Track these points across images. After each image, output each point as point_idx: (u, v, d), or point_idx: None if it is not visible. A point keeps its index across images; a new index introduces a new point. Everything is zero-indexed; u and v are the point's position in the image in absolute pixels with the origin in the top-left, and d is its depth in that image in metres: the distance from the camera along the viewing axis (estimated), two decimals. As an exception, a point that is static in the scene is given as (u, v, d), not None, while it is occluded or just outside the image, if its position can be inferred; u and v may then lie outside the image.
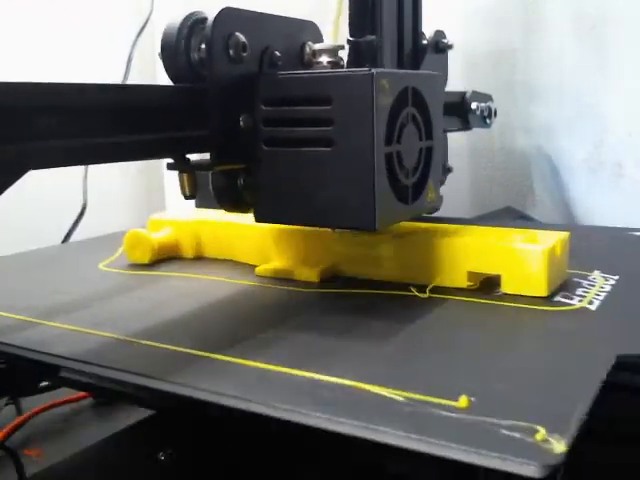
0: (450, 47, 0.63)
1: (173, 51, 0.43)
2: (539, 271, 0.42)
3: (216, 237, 0.56)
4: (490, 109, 0.71)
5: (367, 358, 0.34)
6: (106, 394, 0.53)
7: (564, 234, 0.46)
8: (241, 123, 0.42)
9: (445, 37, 0.62)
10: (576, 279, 0.46)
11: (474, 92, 0.69)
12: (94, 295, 0.47)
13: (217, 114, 0.41)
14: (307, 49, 0.47)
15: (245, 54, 0.42)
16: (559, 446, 0.24)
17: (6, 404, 0.51)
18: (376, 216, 0.39)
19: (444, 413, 0.27)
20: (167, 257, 0.56)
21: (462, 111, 0.68)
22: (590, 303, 0.42)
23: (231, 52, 0.41)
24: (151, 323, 0.40)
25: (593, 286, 0.45)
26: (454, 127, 0.68)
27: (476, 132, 0.92)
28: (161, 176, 1.10)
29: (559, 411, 0.26)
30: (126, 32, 0.86)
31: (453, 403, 0.27)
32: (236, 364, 0.33)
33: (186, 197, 0.44)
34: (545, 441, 0.24)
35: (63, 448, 0.47)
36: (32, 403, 0.52)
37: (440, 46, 0.61)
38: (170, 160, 0.43)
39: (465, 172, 0.93)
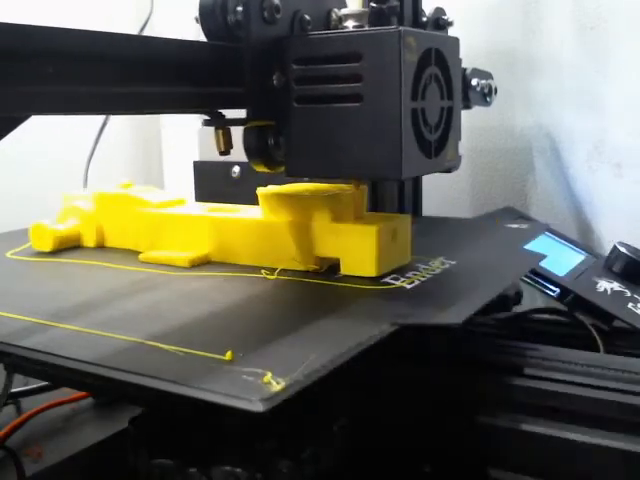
0: (450, 24, 0.63)
1: (210, 12, 0.46)
2: (369, 251, 0.46)
3: (114, 227, 0.61)
4: (490, 87, 0.70)
5: (176, 323, 0.39)
6: (106, 394, 0.53)
7: (404, 217, 0.51)
8: (274, 81, 0.45)
9: (445, 14, 0.61)
10: (417, 264, 0.50)
11: (474, 69, 0.68)
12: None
13: (252, 72, 0.44)
14: (333, 15, 0.50)
15: (278, 16, 0.45)
16: (277, 387, 0.29)
17: (6, 404, 0.51)
18: (402, 166, 0.42)
19: (208, 364, 0.32)
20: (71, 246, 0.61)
21: (462, 88, 0.67)
22: (411, 283, 0.46)
23: (265, 14, 0.44)
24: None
25: (426, 269, 0.49)
26: None
27: (476, 132, 0.92)
28: (161, 174, 1.10)
29: (297, 364, 0.32)
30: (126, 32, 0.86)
31: (221, 357, 0.33)
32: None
33: (221, 153, 0.48)
34: (268, 383, 0.30)
35: (63, 448, 0.47)
36: (32, 403, 0.52)
37: (440, 23, 0.61)
38: (206, 117, 0.47)
39: (465, 172, 0.93)
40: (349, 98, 0.43)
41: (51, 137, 0.98)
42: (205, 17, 0.46)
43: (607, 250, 0.75)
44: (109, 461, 0.47)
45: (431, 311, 0.40)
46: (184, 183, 0.89)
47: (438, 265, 0.50)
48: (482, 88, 0.68)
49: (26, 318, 0.41)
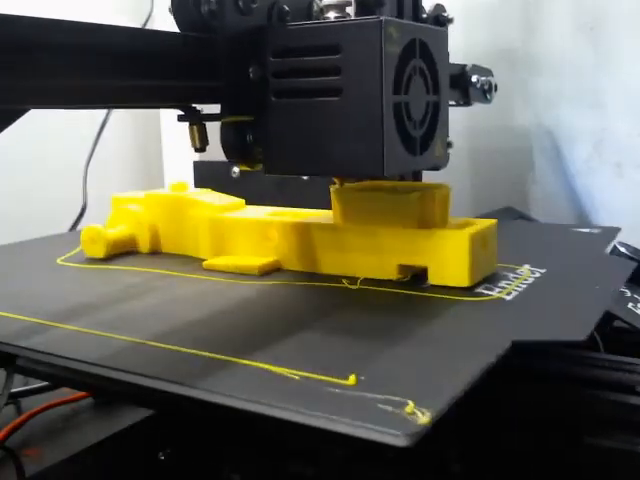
0: (450, 21, 0.62)
1: (183, 2, 0.43)
2: (462, 259, 0.43)
3: (171, 232, 0.58)
4: (491, 83, 0.69)
5: (279, 342, 0.36)
6: (106, 394, 0.53)
7: (491, 221, 0.47)
8: (251, 75, 0.43)
9: (445, 11, 0.61)
10: (505, 272, 0.48)
11: (474, 65, 0.68)
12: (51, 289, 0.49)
13: (227, 65, 0.42)
14: (315, 6, 0.48)
15: (254, 5, 0.43)
16: (423, 418, 0.26)
17: (6, 404, 0.51)
18: (385, 162, 0.40)
19: (331, 390, 0.29)
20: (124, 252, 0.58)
21: (462, 84, 0.66)
22: (508, 294, 0.43)
23: (241, 4, 0.42)
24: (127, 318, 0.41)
25: (517, 278, 0.46)
26: (453, 100, 0.66)
27: (476, 132, 0.92)
28: (162, 177, 1.10)
29: (434, 390, 0.29)
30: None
31: (342, 381, 0.30)
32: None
33: (196, 149, 0.45)
34: (412, 414, 0.26)
35: (63, 448, 0.47)
36: (32, 403, 0.52)
37: (440, 20, 0.61)
38: (180, 112, 0.44)
39: (465, 172, 0.93)
40: (328, 92, 0.41)
41: (51, 137, 0.98)
42: (178, 7, 0.43)
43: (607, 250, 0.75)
44: (109, 461, 0.47)
45: (547, 326, 0.38)
46: (189, 183, 0.89)
47: (528, 274, 0.48)
48: (482, 85, 0.68)
49: (84, 330, 0.39)
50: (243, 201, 0.59)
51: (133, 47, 0.38)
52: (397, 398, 0.28)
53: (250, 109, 0.44)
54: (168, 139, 1.13)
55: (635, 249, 0.72)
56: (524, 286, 0.45)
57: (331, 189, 0.50)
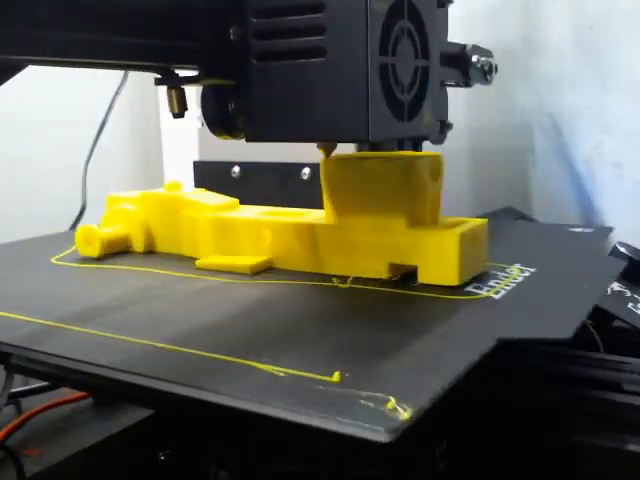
0: (451, 1, 0.62)
1: None
2: (451, 258, 0.43)
3: (165, 231, 0.58)
4: (491, 64, 0.68)
5: (267, 341, 0.37)
6: (106, 394, 0.53)
7: (481, 221, 0.48)
8: (231, 36, 0.41)
9: None
10: (495, 271, 0.48)
11: (475, 46, 0.67)
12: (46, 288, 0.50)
13: (206, 25, 0.40)
14: None
15: None
16: (404, 414, 0.26)
17: (6, 404, 0.50)
18: (370, 126, 0.38)
19: (315, 387, 0.29)
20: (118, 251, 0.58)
21: (462, 64, 0.65)
22: (497, 293, 0.43)
23: None
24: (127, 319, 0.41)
25: (507, 277, 0.47)
26: (454, 81, 0.66)
27: (477, 132, 0.92)
28: (162, 177, 1.10)
29: (416, 387, 0.29)
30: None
31: (327, 378, 0.30)
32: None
33: (174, 115, 0.44)
34: (394, 410, 0.27)
35: (63, 448, 0.47)
36: (32, 403, 0.52)
37: (440, 0, 0.60)
38: (158, 76, 0.43)
39: (465, 172, 0.93)
40: (312, 53, 0.39)
41: (51, 137, 0.98)
42: None
43: (607, 250, 0.75)
44: (109, 461, 0.47)
45: (533, 324, 0.38)
46: (184, 183, 0.89)
47: (518, 273, 0.48)
48: (482, 65, 0.67)
49: (80, 329, 0.39)
50: (237, 201, 0.59)
51: (111, 1, 0.36)
52: (379, 395, 0.28)
53: (230, 72, 0.42)
54: (168, 139, 1.13)
55: (635, 249, 0.72)
56: (513, 285, 0.45)
57: (321, 163, 0.49)
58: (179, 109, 0.44)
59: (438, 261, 0.44)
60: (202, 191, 0.61)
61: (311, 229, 0.50)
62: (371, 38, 0.38)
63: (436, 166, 0.49)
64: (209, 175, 0.81)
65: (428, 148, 0.78)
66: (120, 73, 0.85)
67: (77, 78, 0.99)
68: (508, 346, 0.35)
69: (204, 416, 0.38)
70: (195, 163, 0.83)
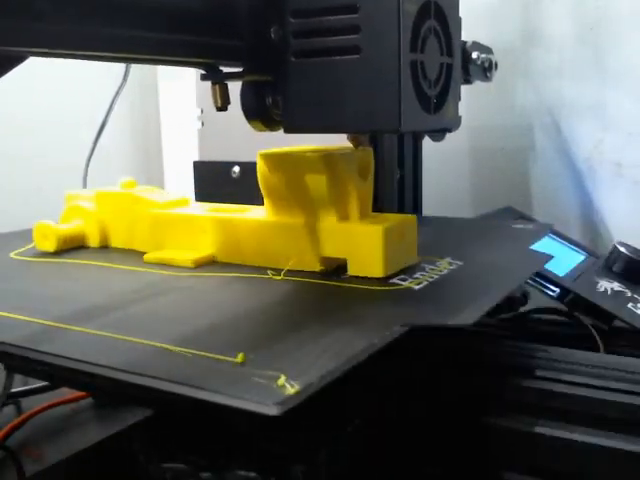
0: None
1: None
2: (376, 251, 0.46)
3: (118, 227, 0.61)
4: (491, 61, 0.69)
5: (191, 326, 0.39)
6: (106, 393, 0.53)
7: (409, 217, 0.50)
8: (272, 35, 0.44)
9: None
10: (424, 264, 0.50)
11: (475, 42, 0.67)
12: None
13: (249, 25, 0.44)
14: None
15: None
16: (292, 390, 0.29)
17: (6, 404, 0.51)
18: (401, 118, 0.42)
19: (218, 366, 0.32)
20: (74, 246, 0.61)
21: (462, 61, 0.64)
22: (419, 284, 0.45)
23: None
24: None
25: (433, 270, 0.49)
26: None
27: (477, 131, 0.92)
28: (161, 174, 1.10)
29: (311, 366, 0.31)
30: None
31: (231, 359, 0.33)
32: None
33: (218, 109, 0.47)
34: (282, 386, 0.29)
35: (63, 448, 0.47)
36: (32, 403, 0.52)
37: None
38: (203, 72, 0.46)
39: (465, 172, 0.93)
40: (347, 50, 0.43)
41: (51, 137, 0.98)
42: None
43: (607, 250, 0.75)
44: (109, 461, 0.47)
45: (441, 312, 0.40)
46: (184, 183, 0.89)
47: (445, 266, 0.50)
48: (482, 62, 0.67)
49: (29, 319, 0.40)
50: (188, 198, 0.61)
51: (160, 2, 0.39)
52: (272, 372, 0.30)
53: (270, 69, 0.46)
54: (168, 139, 1.13)
55: (635, 249, 0.72)
56: (436, 277, 0.47)
57: (259, 180, 0.52)
58: (222, 103, 0.47)
59: (365, 254, 0.47)
60: (154, 189, 0.63)
61: (249, 224, 0.52)
62: (403, 36, 0.41)
63: (365, 162, 0.51)
64: (209, 175, 0.81)
65: (428, 145, 0.78)
66: (120, 73, 0.85)
67: (77, 78, 0.99)
68: (424, 332, 0.38)
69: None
70: (195, 163, 0.83)
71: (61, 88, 0.99)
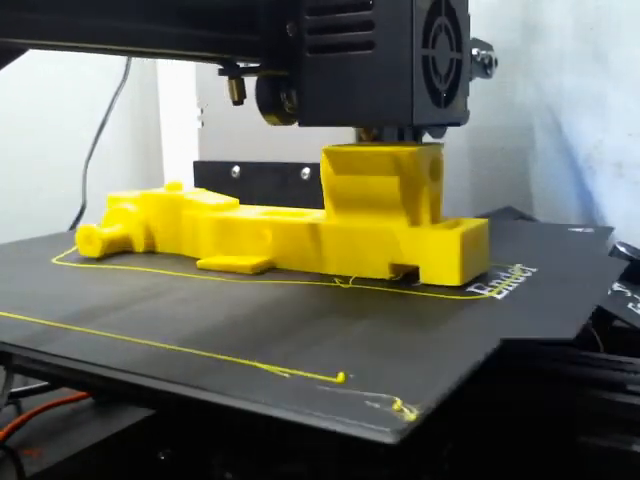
0: None
1: None
2: (453, 258, 0.44)
3: (165, 231, 0.58)
4: (491, 58, 0.69)
5: (271, 342, 0.36)
6: (106, 393, 0.53)
7: (482, 221, 0.48)
8: (288, 31, 0.46)
9: None
10: (497, 271, 0.48)
11: (474, 39, 0.67)
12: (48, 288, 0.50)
13: (266, 21, 0.45)
14: None
15: None
16: (411, 415, 0.26)
17: (6, 404, 0.50)
18: (413, 111, 0.43)
19: (321, 387, 0.29)
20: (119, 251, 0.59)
21: None
22: (499, 293, 0.43)
23: None
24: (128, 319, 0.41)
25: (509, 277, 0.47)
26: None
27: (477, 132, 0.92)
28: (161, 174, 1.10)
29: (422, 387, 0.29)
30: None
31: (332, 379, 0.30)
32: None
33: (234, 102, 0.48)
34: (400, 411, 0.27)
35: (63, 448, 0.47)
36: (32, 403, 0.52)
37: None
38: (220, 67, 0.47)
39: (465, 172, 0.93)
40: (361, 46, 0.44)
41: (51, 137, 0.98)
42: None
43: (607, 250, 0.75)
44: (109, 461, 0.47)
45: (536, 324, 0.38)
46: (184, 183, 0.89)
47: (519, 273, 0.48)
48: (482, 59, 0.67)
49: (92, 331, 0.39)
50: (237, 201, 0.59)
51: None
52: (385, 395, 0.28)
53: (286, 64, 0.47)
54: (168, 139, 1.13)
55: (635, 249, 0.72)
56: (515, 285, 0.45)
57: (324, 185, 0.50)
58: (239, 97, 0.47)
59: (440, 261, 0.44)
60: (202, 191, 0.61)
61: (312, 229, 0.50)
62: (415, 33, 0.43)
63: (437, 161, 0.49)
64: (209, 175, 0.81)
65: (428, 140, 0.78)
66: (120, 72, 0.85)
67: (77, 78, 0.99)
68: (510, 346, 0.35)
69: (207, 417, 0.38)
70: (195, 163, 0.83)
71: (61, 87, 0.99)
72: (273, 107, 0.48)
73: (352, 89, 0.45)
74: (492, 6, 0.89)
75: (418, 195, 0.47)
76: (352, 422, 0.26)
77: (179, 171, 1.07)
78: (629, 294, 0.68)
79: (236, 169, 0.79)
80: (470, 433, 0.43)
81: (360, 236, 0.47)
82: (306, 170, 0.74)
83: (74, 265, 0.56)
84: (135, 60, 0.85)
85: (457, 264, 0.44)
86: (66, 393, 0.54)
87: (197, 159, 0.83)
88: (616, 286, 0.69)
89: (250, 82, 0.49)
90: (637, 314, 0.65)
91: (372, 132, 0.53)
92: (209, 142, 0.82)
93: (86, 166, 0.87)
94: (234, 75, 0.47)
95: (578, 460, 0.42)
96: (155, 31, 0.39)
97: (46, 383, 0.54)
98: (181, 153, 1.06)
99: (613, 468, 0.41)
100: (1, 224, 0.71)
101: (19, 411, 0.52)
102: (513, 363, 0.46)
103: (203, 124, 0.83)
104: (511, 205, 0.87)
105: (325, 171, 0.49)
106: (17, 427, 0.49)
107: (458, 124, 0.51)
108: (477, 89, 0.71)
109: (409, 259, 0.46)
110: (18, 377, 0.52)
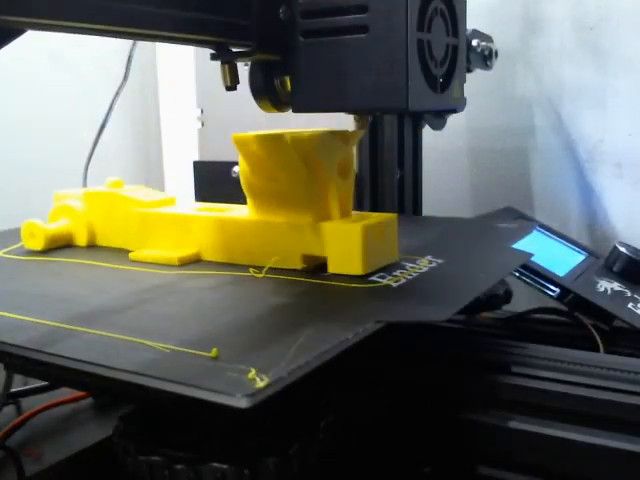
0: None
1: None
2: (355, 250, 0.46)
3: (105, 226, 0.61)
4: (491, 50, 0.68)
5: (167, 320, 0.40)
6: (106, 393, 0.53)
7: (389, 216, 0.50)
8: (281, 15, 0.45)
9: None
10: (405, 262, 0.50)
11: (475, 30, 0.67)
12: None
13: (259, 4, 0.44)
14: None
15: None
16: (261, 383, 0.29)
17: (6, 404, 0.50)
18: (408, 96, 0.43)
19: (191, 360, 0.33)
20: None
21: None
22: (397, 282, 0.45)
23: None
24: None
25: (413, 268, 0.49)
26: None
27: (477, 132, 0.92)
28: (161, 174, 1.10)
29: (282, 360, 0.32)
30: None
31: (205, 353, 0.33)
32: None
33: (227, 88, 0.47)
34: (253, 379, 0.30)
35: (63, 448, 0.47)
36: (32, 403, 0.52)
37: None
38: (212, 51, 0.46)
39: (465, 172, 0.93)
40: (355, 29, 0.43)
41: (51, 137, 0.98)
42: None
43: (607, 250, 0.75)
44: (109, 461, 0.47)
45: (415, 309, 0.41)
46: (184, 183, 0.89)
47: (425, 264, 0.50)
48: (482, 50, 0.67)
49: (19, 317, 0.41)
50: (175, 197, 0.62)
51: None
52: (242, 366, 0.31)
53: (279, 48, 0.46)
54: (168, 139, 1.13)
55: (635, 249, 0.72)
56: (416, 274, 0.47)
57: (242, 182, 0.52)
58: (232, 82, 0.47)
59: (344, 252, 0.47)
60: (141, 188, 0.63)
61: (233, 223, 0.53)
62: (410, 15, 0.42)
63: (346, 162, 0.51)
64: (209, 175, 0.81)
65: (428, 145, 0.78)
66: (120, 73, 0.85)
67: (78, 78, 0.99)
68: (404, 330, 0.39)
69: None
70: (195, 163, 0.83)
71: (61, 88, 0.99)
72: (266, 92, 0.48)
73: (346, 74, 0.44)
74: (492, 6, 0.89)
75: (326, 192, 0.49)
76: (206, 387, 0.29)
77: (179, 171, 1.07)
78: (629, 294, 0.68)
79: (236, 169, 0.79)
80: (356, 409, 0.46)
81: (274, 229, 0.50)
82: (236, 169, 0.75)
83: (18, 258, 0.58)
84: (135, 61, 0.85)
85: (359, 255, 0.46)
86: (66, 393, 0.54)
87: (197, 159, 0.83)
88: (616, 286, 0.69)
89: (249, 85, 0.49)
90: (637, 314, 0.65)
91: (365, 119, 0.53)
92: (209, 142, 0.83)
93: (86, 166, 0.87)
94: (227, 60, 0.47)
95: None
96: (149, 12, 0.39)
97: (46, 383, 0.54)
98: (181, 153, 1.06)
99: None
100: (1, 224, 0.71)
101: (19, 411, 0.52)
102: (410, 347, 0.49)
103: (203, 124, 0.83)
104: (511, 205, 0.87)
105: (243, 170, 0.52)
106: (17, 427, 0.49)
107: (455, 110, 0.51)
108: (477, 89, 0.71)
109: (318, 250, 0.49)
110: (18, 377, 0.52)
